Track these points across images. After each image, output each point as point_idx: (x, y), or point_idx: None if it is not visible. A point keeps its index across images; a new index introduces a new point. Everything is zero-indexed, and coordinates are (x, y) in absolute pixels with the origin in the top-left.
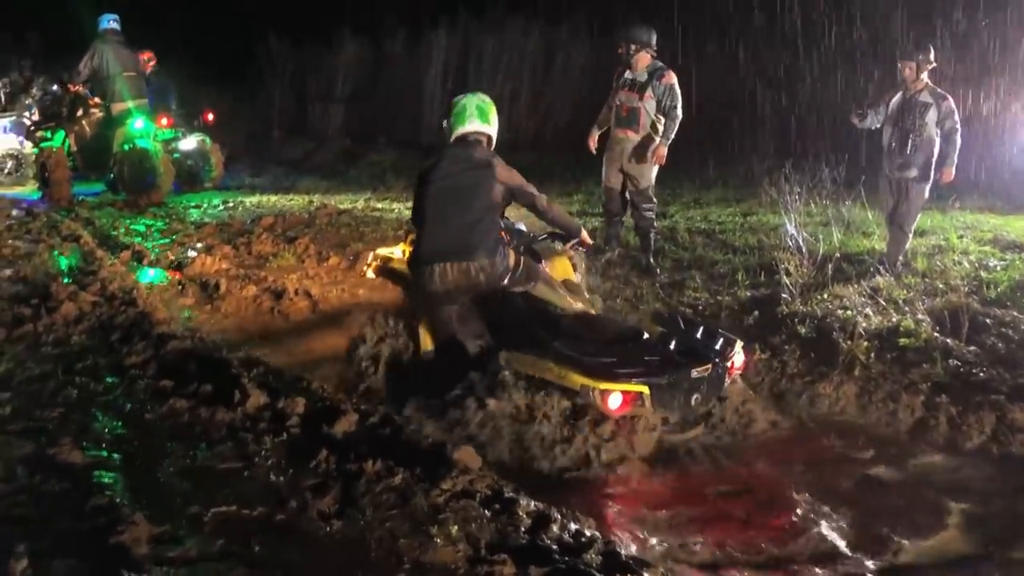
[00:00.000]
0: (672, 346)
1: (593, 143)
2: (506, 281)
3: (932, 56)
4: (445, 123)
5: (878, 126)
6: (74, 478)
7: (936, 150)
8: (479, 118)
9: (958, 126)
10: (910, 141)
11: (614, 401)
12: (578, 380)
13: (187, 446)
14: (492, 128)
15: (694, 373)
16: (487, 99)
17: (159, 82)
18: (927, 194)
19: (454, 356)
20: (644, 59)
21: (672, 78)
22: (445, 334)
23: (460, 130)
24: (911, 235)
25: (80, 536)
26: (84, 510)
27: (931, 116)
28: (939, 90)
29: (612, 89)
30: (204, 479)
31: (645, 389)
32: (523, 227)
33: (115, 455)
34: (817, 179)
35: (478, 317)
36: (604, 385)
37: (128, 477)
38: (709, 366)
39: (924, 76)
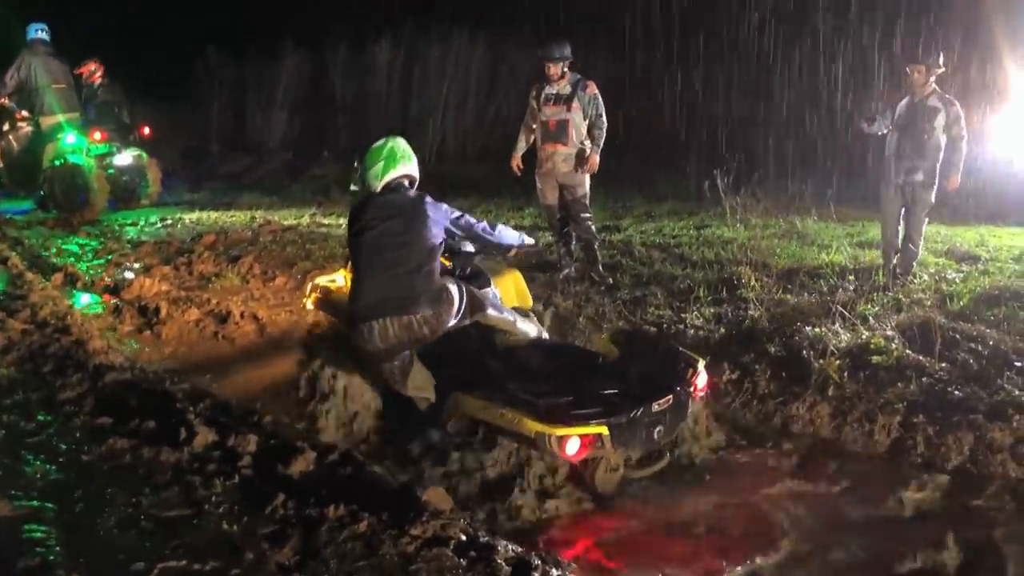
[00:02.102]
0: (631, 375)
1: (517, 164)
2: (452, 324)
3: (941, 60)
4: (366, 169)
5: (885, 132)
6: (1, 533)
7: (941, 155)
8: (406, 160)
9: (964, 133)
10: (917, 146)
11: (572, 447)
12: (533, 427)
13: (129, 492)
14: (416, 168)
15: (655, 407)
16: (403, 140)
17: (110, 96)
18: (933, 199)
19: (404, 407)
20: (567, 73)
21: (595, 87)
22: (389, 388)
23: (391, 175)
24: (922, 243)
25: None
26: (14, 572)
27: (939, 121)
28: (947, 96)
29: (530, 108)
30: (149, 530)
31: (604, 430)
32: (470, 247)
33: (49, 505)
34: (772, 191)
35: (422, 366)
36: (561, 431)
37: (64, 530)
38: (670, 397)
39: (932, 81)
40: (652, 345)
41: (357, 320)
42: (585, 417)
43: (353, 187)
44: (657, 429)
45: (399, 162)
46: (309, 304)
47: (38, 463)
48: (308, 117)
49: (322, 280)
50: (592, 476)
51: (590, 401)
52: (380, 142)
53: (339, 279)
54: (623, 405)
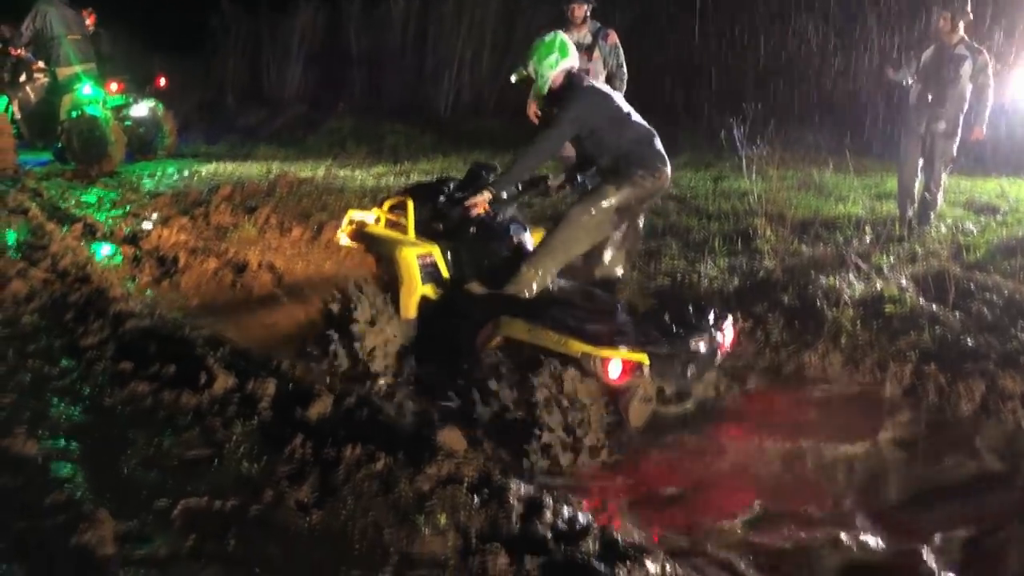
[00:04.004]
0: (668, 317)
1: (535, 112)
2: None
3: (968, 7)
4: (541, 60)
5: (911, 80)
6: (29, 472)
7: (966, 105)
8: (574, 51)
9: (991, 82)
10: (942, 94)
11: (614, 369)
12: (578, 348)
13: (151, 433)
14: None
15: (692, 344)
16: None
17: (93, 45)
18: (955, 152)
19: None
20: (587, 19)
21: (615, 37)
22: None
23: (564, 64)
24: (941, 194)
25: (39, 537)
26: (42, 507)
27: (965, 69)
28: (975, 44)
29: None
30: (171, 469)
31: (645, 358)
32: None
33: (73, 445)
34: (790, 142)
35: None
36: (605, 352)
37: (89, 469)
38: (706, 338)
39: (960, 29)
40: (682, 300)
41: (665, 165)
42: (628, 342)
43: (514, 78)
44: (690, 368)
45: (569, 52)
46: (344, 239)
47: (63, 406)
48: (323, 70)
49: (357, 215)
50: (627, 405)
51: (633, 331)
52: (550, 35)
53: (371, 218)
54: (663, 339)
